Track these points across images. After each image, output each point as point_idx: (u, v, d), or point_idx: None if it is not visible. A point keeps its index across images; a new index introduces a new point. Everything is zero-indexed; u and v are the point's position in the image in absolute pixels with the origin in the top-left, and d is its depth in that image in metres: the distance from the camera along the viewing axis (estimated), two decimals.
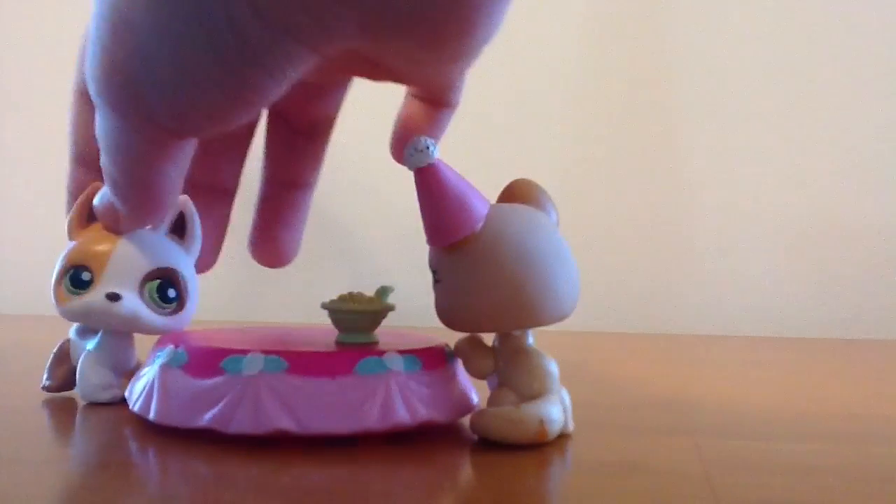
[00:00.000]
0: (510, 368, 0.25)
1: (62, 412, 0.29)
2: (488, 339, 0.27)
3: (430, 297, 0.25)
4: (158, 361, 0.26)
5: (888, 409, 0.34)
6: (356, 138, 0.84)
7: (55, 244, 0.31)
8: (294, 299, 0.82)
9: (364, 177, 0.83)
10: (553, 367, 0.25)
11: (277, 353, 0.24)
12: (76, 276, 0.29)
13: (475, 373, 0.26)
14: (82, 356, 0.30)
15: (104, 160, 0.25)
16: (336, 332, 0.28)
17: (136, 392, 0.27)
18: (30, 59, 0.92)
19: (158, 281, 0.30)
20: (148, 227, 0.29)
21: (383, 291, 0.28)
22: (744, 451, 0.25)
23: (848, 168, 0.74)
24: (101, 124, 0.24)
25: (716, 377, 0.43)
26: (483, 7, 0.21)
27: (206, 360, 0.25)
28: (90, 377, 0.30)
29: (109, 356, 0.30)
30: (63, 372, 0.31)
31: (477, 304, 0.24)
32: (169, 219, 0.32)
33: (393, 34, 0.21)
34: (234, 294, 0.80)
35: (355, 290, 0.28)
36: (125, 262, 0.29)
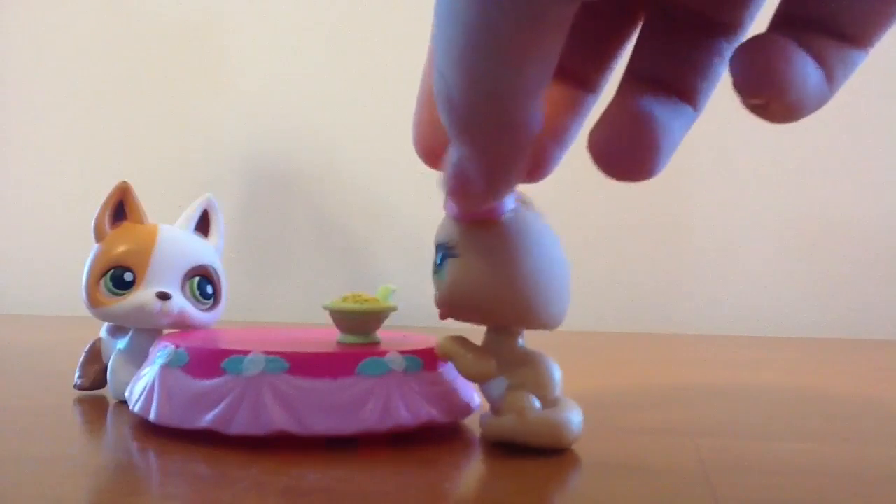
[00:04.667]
0: (524, 371, 0.24)
1: (92, 411, 0.29)
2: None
3: (431, 298, 0.25)
4: (159, 362, 0.26)
5: (888, 409, 0.34)
6: (357, 139, 0.84)
7: (86, 246, 0.31)
8: (295, 299, 0.82)
9: (365, 178, 0.83)
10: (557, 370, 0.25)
11: (279, 353, 0.24)
12: (118, 277, 0.29)
13: (477, 376, 0.25)
14: (113, 355, 0.31)
15: (443, 71, 0.17)
16: (337, 332, 0.28)
17: (136, 393, 0.27)
18: (33, 61, 0.92)
19: (198, 278, 0.31)
20: (502, 187, 0.19)
21: (385, 292, 0.28)
22: (744, 451, 0.25)
23: (848, 168, 0.74)
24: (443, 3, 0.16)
25: (716, 377, 0.43)
26: None
27: (207, 360, 0.25)
28: (121, 376, 0.30)
29: (140, 355, 0.30)
30: (94, 371, 0.32)
31: (502, 287, 0.23)
32: (196, 215, 0.33)
33: None
34: (234, 294, 0.80)
35: (357, 291, 0.28)
36: (167, 260, 0.30)
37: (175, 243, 0.30)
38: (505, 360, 0.24)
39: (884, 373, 0.48)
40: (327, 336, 0.29)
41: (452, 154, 0.19)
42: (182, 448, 0.23)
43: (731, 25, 0.19)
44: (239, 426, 0.23)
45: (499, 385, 0.25)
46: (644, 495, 0.20)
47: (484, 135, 0.17)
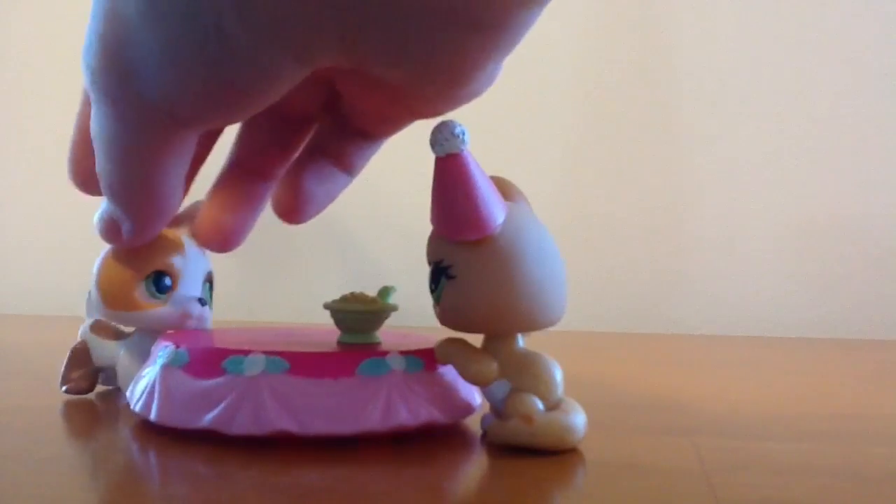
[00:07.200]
0: (526, 373, 0.24)
1: (91, 411, 0.29)
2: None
3: (431, 297, 0.25)
4: (160, 362, 0.26)
5: (888, 409, 0.34)
6: None
7: (87, 247, 0.31)
8: (295, 299, 0.82)
9: (365, 176, 0.83)
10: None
11: (279, 353, 0.24)
12: (160, 282, 0.29)
13: (478, 379, 0.25)
14: (122, 352, 0.30)
15: (99, 162, 0.24)
16: (338, 332, 0.28)
17: (137, 392, 0.27)
18: (33, 60, 0.92)
19: (209, 283, 0.32)
20: (148, 238, 0.27)
21: (385, 291, 0.28)
22: (744, 451, 0.25)
23: (848, 168, 0.74)
24: (95, 119, 0.23)
25: (716, 377, 0.44)
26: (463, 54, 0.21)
27: (208, 360, 0.25)
28: (133, 371, 0.30)
29: (145, 351, 0.29)
30: (82, 375, 0.31)
31: (503, 302, 0.23)
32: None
33: (376, 57, 0.21)
34: (235, 294, 0.80)
35: (357, 290, 0.28)
36: (193, 265, 0.30)
37: (195, 248, 0.31)
38: (505, 361, 0.24)
39: (883, 373, 0.48)
40: (327, 336, 0.29)
41: (106, 206, 0.26)
42: (182, 448, 0.23)
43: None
44: (239, 426, 0.23)
45: (500, 387, 0.24)
46: (644, 495, 0.20)
47: (133, 211, 0.25)
